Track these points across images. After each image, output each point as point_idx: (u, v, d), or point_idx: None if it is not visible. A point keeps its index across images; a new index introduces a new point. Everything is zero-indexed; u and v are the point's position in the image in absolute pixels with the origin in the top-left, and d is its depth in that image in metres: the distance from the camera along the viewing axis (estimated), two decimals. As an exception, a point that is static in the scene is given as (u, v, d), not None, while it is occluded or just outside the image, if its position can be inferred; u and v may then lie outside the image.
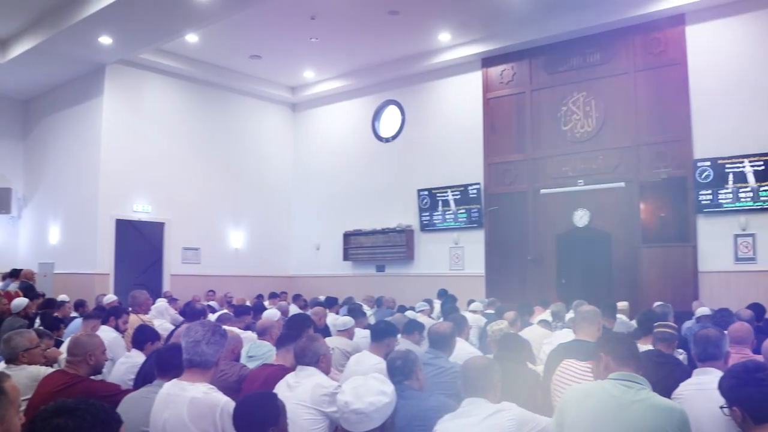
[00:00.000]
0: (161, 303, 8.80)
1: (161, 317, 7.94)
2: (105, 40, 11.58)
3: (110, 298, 9.21)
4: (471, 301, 9.34)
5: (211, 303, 11.46)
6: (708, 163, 10.32)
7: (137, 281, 13.11)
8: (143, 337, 5.10)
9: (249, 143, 15.51)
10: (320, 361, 3.76)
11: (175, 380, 3.19)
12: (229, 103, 15.15)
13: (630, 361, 2.94)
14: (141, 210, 13.38)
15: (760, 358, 3.48)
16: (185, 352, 3.17)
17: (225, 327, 3.68)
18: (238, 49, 13.43)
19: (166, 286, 13.44)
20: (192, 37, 12.58)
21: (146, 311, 7.49)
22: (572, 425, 2.74)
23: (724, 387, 2.72)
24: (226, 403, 3.00)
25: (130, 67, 13.27)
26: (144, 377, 4.31)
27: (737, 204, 10.13)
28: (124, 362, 4.96)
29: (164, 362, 3.61)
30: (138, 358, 4.88)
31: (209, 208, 14.49)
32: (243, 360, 5.09)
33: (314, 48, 13.29)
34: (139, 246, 13.95)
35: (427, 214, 13.70)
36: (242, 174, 15.24)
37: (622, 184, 11.25)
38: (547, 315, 7.51)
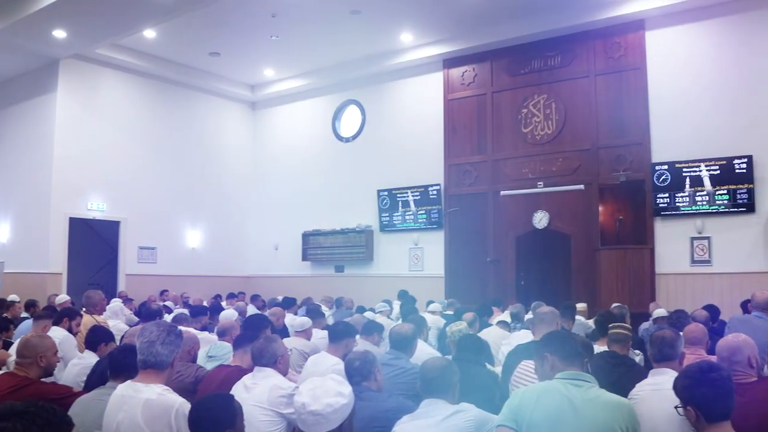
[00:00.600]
0: (116, 303, 8.66)
1: (116, 318, 7.81)
2: (59, 33, 11.32)
3: (63, 298, 8.99)
4: (430, 302, 9.35)
5: (167, 303, 11.29)
6: (666, 167, 10.51)
7: (91, 281, 12.88)
8: (97, 338, 4.97)
9: (207, 141, 15.33)
10: (278, 362, 3.72)
11: (129, 381, 3.12)
12: (188, 101, 14.94)
13: (575, 359, 2.96)
14: (95, 208, 13.10)
15: (714, 358, 3.52)
16: (140, 353, 3.10)
17: (181, 328, 3.61)
18: (197, 46, 13.25)
19: (121, 286, 13.19)
20: (150, 33, 12.38)
21: (101, 312, 7.32)
22: (528, 426, 2.74)
23: (678, 387, 2.75)
24: (182, 405, 2.95)
25: (86, 62, 12.99)
26: (97, 379, 4.20)
27: (694, 207, 10.32)
28: (76, 364, 4.83)
29: (118, 363, 3.53)
30: (91, 359, 4.74)
31: (166, 206, 14.25)
32: (202, 361, 5.02)
33: (274, 46, 13.19)
34: (94, 245, 13.69)
35: (386, 214, 13.68)
36: (200, 172, 15.03)
37: (581, 186, 11.38)
38: (506, 316, 7.56)
